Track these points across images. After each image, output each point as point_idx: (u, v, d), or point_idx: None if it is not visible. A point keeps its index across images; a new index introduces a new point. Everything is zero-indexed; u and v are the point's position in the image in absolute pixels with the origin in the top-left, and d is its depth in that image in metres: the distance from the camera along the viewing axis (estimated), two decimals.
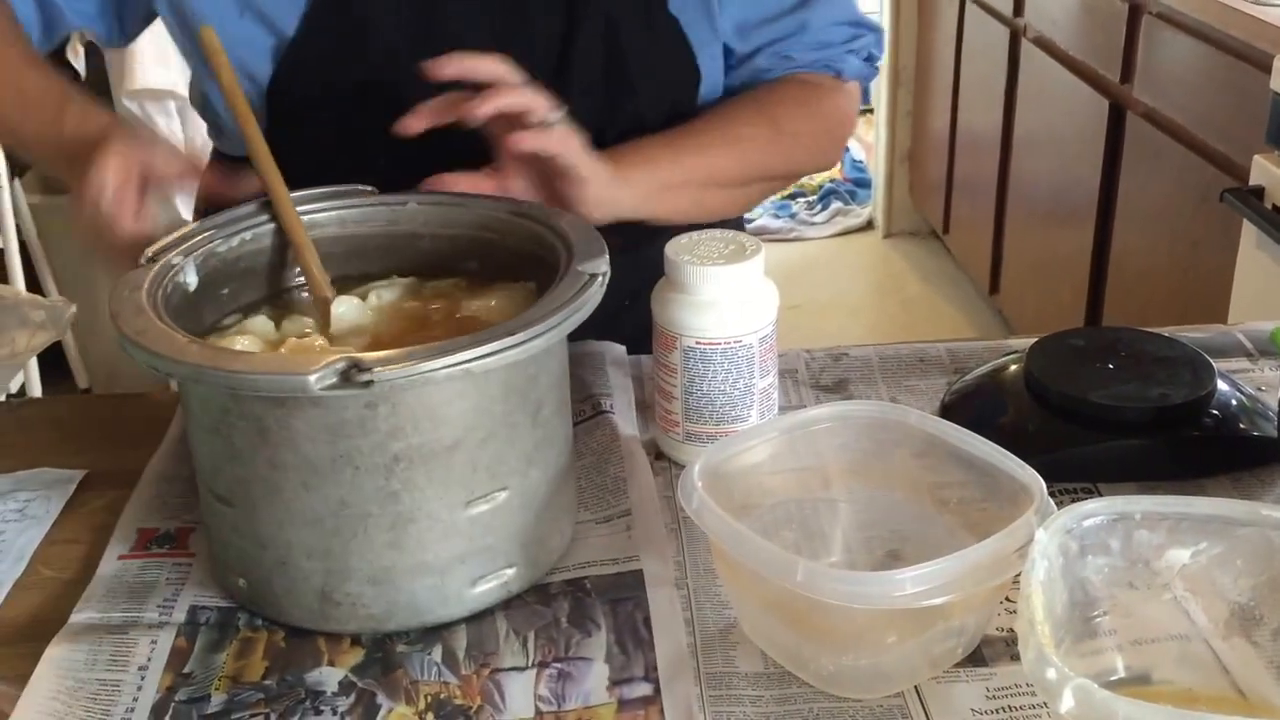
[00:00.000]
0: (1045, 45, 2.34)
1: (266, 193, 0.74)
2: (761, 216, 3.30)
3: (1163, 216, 1.96)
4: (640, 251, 0.88)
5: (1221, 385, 0.75)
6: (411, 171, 0.79)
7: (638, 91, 0.88)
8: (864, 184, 3.43)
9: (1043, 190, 2.42)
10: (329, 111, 0.86)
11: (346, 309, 0.72)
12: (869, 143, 3.41)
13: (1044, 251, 2.45)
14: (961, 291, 2.91)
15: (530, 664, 0.61)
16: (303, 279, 0.76)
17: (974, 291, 2.86)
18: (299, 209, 0.75)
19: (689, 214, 0.86)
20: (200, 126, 2.13)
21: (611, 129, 0.87)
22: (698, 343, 0.72)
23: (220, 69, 0.77)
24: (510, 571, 0.65)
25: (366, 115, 0.81)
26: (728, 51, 0.93)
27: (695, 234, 0.75)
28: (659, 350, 0.74)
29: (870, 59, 0.98)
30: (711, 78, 0.91)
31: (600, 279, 0.65)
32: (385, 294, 0.74)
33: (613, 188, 0.80)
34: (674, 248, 0.73)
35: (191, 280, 0.69)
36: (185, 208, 0.90)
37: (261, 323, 0.72)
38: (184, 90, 2.09)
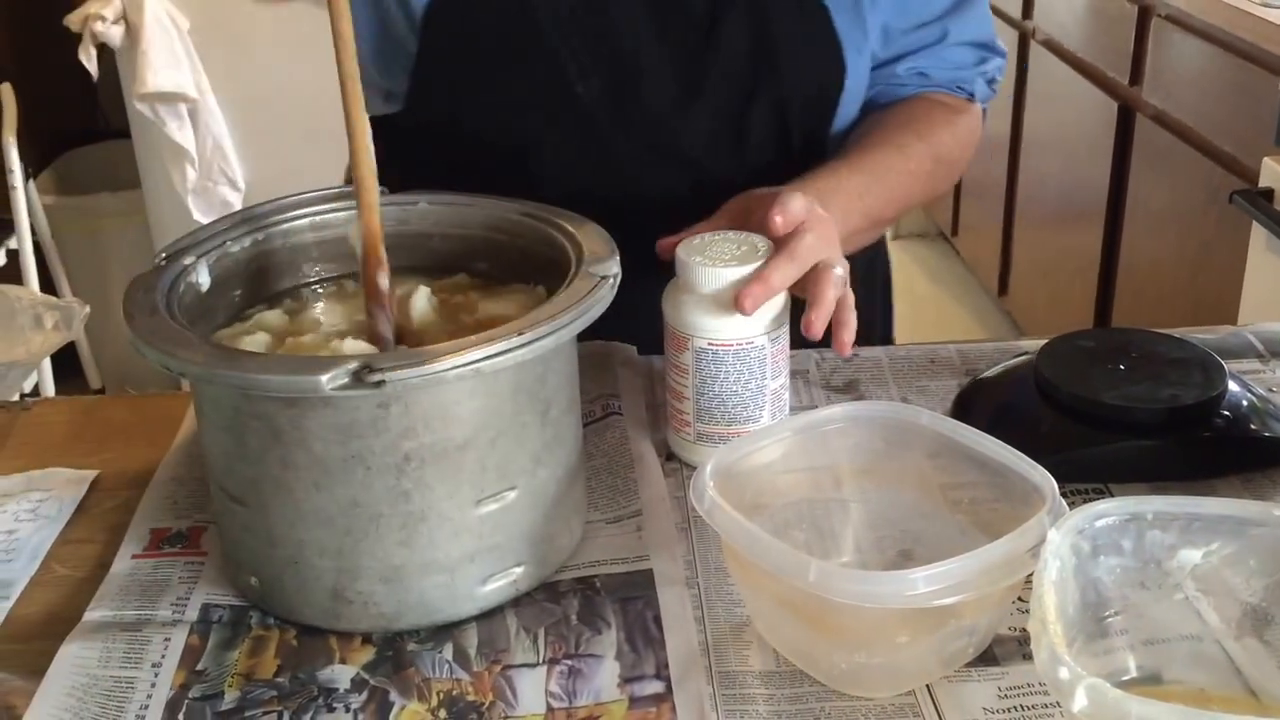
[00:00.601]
0: (1054, 48, 2.34)
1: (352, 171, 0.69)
2: None
3: (1172, 218, 1.96)
4: (640, 252, 0.88)
5: (1232, 386, 0.75)
6: (550, 133, 0.83)
7: (782, 76, 0.87)
8: None
9: (1052, 192, 2.42)
10: (479, 61, 0.86)
11: (423, 301, 0.72)
12: None
13: (1053, 253, 2.45)
14: (970, 293, 2.91)
15: (541, 661, 0.61)
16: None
17: (983, 293, 2.86)
18: (309, 209, 0.75)
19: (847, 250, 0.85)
20: (213, 130, 2.16)
21: (752, 113, 0.87)
22: (709, 344, 0.72)
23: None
24: (519, 570, 0.65)
25: (518, 72, 0.83)
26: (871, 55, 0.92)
27: (707, 235, 0.75)
28: (670, 351, 0.74)
29: (992, 82, 0.97)
30: (857, 76, 0.89)
31: (611, 281, 0.65)
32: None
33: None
34: (685, 249, 0.73)
35: (204, 280, 0.70)
36: None
37: (276, 316, 0.73)
38: (194, 93, 2.10)
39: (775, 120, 0.88)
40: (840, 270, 0.72)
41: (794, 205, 0.73)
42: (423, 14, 0.85)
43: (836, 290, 0.72)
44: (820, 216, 0.74)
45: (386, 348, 0.68)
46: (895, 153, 0.88)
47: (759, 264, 0.71)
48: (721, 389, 0.73)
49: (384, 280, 0.68)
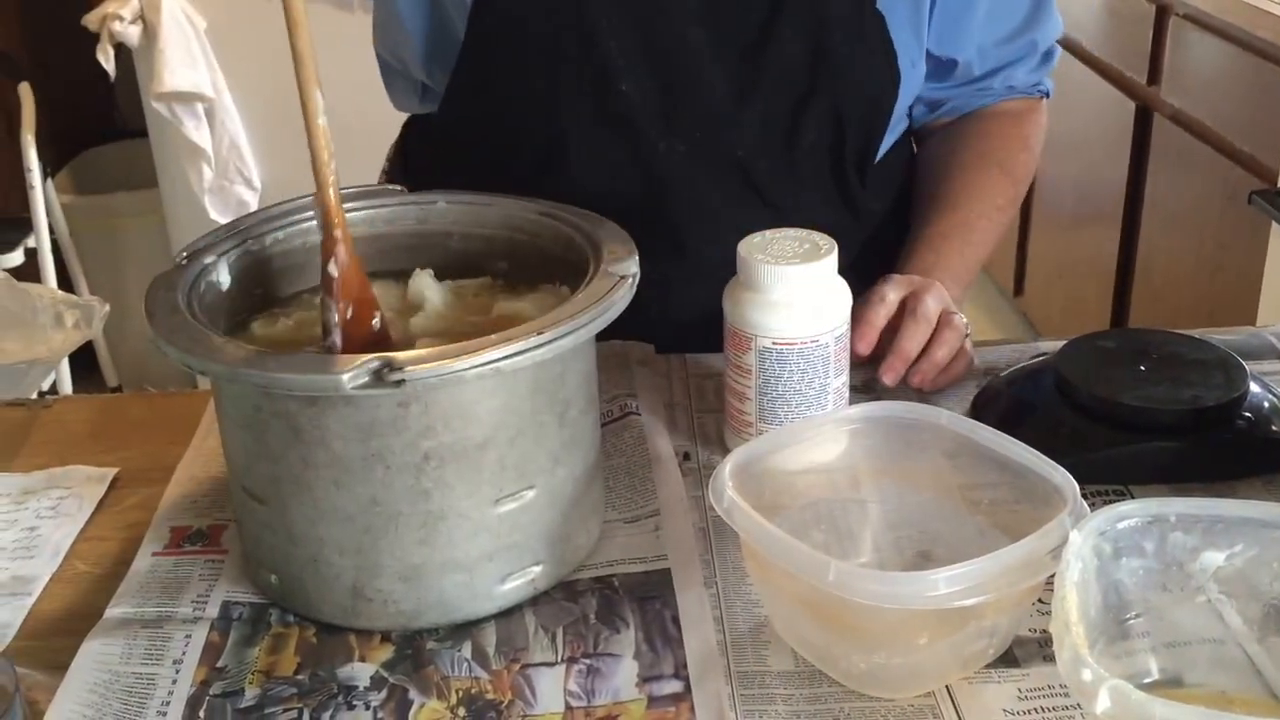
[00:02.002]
0: (1072, 47, 2.33)
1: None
2: None
3: (1190, 218, 1.95)
4: (674, 254, 0.88)
5: (1254, 387, 0.74)
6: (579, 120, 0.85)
7: (838, 79, 0.86)
8: None
9: (1068, 192, 2.41)
10: (524, 54, 0.86)
11: (429, 290, 0.71)
12: None
13: (1069, 253, 2.44)
14: (985, 293, 2.90)
15: (559, 659, 0.62)
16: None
17: (997, 293, 2.85)
18: None
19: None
20: (229, 130, 2.17)
21: (806, 115, 0.87)
22: (774, 343, 0.71)
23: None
24: (537, 569, 0.65)
25: (561, 67, 0.84)
26: (960, 71, 0.93)
27: (768, 232, 0.73)
28: (732, 351, 0.73)
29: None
30: (908, 88, 0.90)
31: (630, 281, 0.65)
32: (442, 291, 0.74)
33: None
34: (747, 247, 0.72)
35: (225, 279, 0.70)
36: None
37: (280, 325, 0.73)
38: (211, 93, 2.11)
39: (830, 124, 0.88)
40: (961, 318, 0.80)
41: (890, 294, 0.80)
42: (473, 2, 0.85)
43: (957, 336, 0.80)
44: (927, 282, 0.81)
45: (332, 338, 0.66)
46: (982, 199, 0.93)
47: (823, 261, 0.70)
48: (786, 388, 0.72)
49: (333, 267, 0.65)
